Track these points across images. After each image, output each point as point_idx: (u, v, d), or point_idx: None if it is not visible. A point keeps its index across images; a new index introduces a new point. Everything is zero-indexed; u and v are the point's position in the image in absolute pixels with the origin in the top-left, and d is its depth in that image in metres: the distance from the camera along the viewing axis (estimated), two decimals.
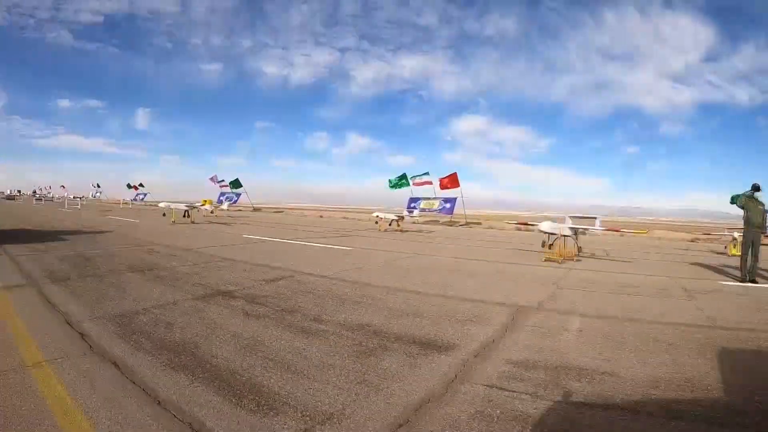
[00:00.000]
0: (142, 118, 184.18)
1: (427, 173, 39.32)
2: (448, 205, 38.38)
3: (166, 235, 13.78)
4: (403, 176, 39.85)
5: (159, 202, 21.73)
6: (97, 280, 6.19)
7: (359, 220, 34.98)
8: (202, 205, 22.21)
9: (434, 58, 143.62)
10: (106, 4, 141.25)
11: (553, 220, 11.41)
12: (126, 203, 50.99)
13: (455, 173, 37.90)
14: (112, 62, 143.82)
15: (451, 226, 31.03)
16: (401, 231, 19.82)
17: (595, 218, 13.41)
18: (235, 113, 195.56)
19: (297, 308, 4.84)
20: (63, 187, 67.74)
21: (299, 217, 34.50)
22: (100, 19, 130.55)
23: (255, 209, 47.72)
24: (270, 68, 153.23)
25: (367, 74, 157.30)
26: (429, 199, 39.76)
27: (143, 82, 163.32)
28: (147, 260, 8.26)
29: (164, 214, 21.20)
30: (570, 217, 11.96)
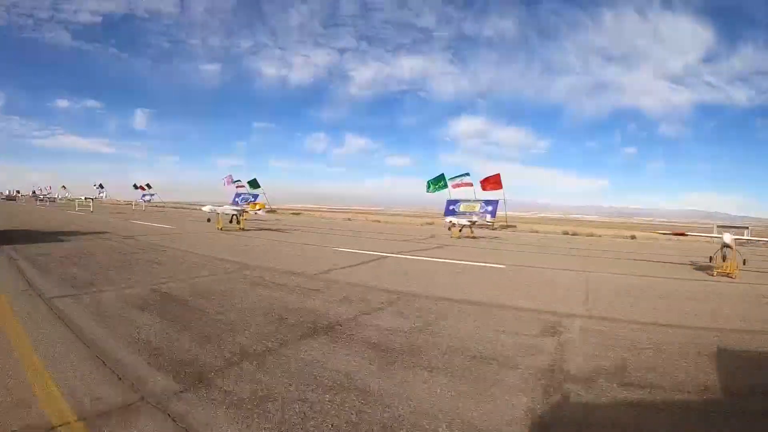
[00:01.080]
0: (140, 118, 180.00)
1: (467, 174, 36.19)
2: (489, 208, 35.17)
3: (243, 251, 10.41)
4: (441, 177, 36.69)
5: (203, 205, 18.19)
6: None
7: (401, 223, 31.90)
8: (259, 209, 18.69)
9: (433, 59, 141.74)
10: (104, 5, 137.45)
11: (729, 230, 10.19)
12: (138, 205, 46.78)
13: (498, 174, 34.86)
14: (111, 62, 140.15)
15: (494, 229, 28.20)
16: (474, 237, 17.91)
17: (746, 228, 11.80)
18: (233, 114, 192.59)
19: None
20: (64, 187, 63.55)
21: (342, 221, 30.95)
22: (99, 19, 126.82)
23: (269, 211, 44.09)
24: (269, 69, 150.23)
25: (366, 75, 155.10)
26: (469, 201, 36.67)
27: (142, 82, 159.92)
28: (303, 307, 4.89)
29: (209, 220, 17.68)
30: (722, 227, 11.27)
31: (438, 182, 36.79)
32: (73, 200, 53.26)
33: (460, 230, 18.98)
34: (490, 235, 20.26)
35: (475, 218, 20.10)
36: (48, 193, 59.14)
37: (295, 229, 18.07)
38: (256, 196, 44.73)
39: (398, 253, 10.97)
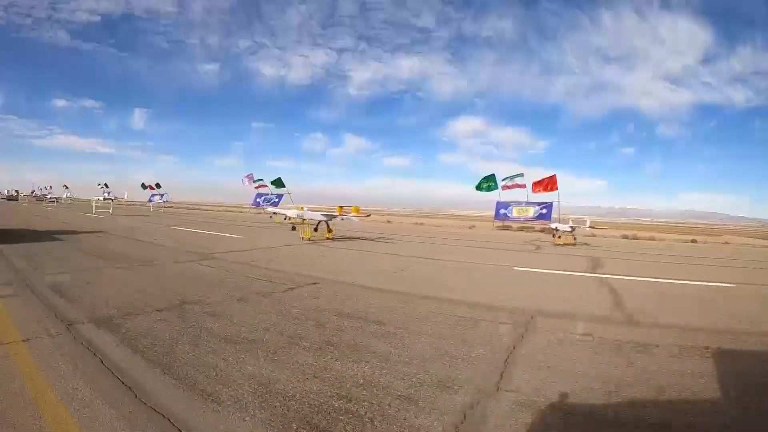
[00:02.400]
0: (138, 118, 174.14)
1: (521, 174, 32.79)
2: (544, 211, 31.86)
3: (416, 279, 6.70)
4: (491, 178, 33.27)
5: (287, 209, 14.23)
6: None
7: (450, 226, 28.41)
8: (355, 214, 14.90)
9: (432, 59, 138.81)
10: (103, 4, 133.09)
11: None
12: (158, 206, 42.11)
13: (554, 175, 31.57)
14: (109, 62, 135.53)
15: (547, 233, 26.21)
16: (574, 244, 15.54)
17: None
18: (231, 114, 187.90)
19: None
20: (66, 186, 58.75)
21: (396, 226, 27.12)
22: (97, 19, 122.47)
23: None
24: (267, 69, 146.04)
25: (364, 75, 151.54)
26: (521, 204, 33.20)
27: (140, 82, 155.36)
28: None
29: (294, 228, 13.82)
30: None
31: (488, 183, 33.47)
32: (72, 200, 48.72)
33: (559, 236, 16.42)
34: (596, 243, 16.91)
35: (565, 225, 16.81)
36: (49, 193, 54.57)
37: (387, 239, 14.35)
38: (280, 197, 40.69)
39: (585, 271, 7.60)
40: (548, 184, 32.06)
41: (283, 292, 5.34)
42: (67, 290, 4.82)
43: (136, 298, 4.65)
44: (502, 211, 33.00)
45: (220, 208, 55.36)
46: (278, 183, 40.23)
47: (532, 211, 32.21)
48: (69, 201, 41.29)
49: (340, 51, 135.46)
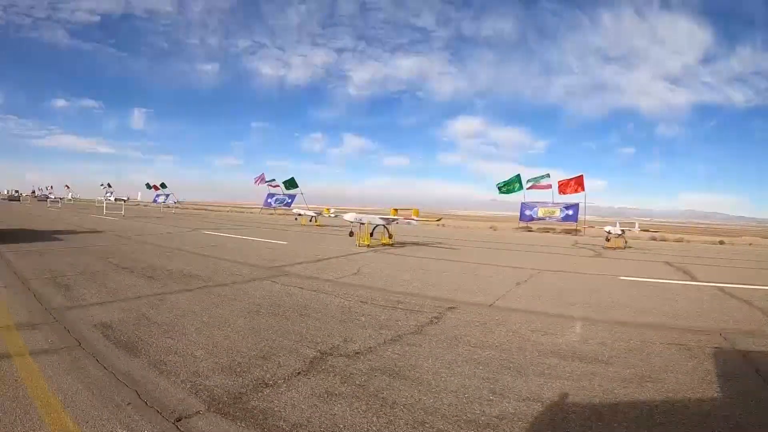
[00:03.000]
0: (138, 118, 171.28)
1: (547, 175, 31.48)
2: (570, 212, 30.62)
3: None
4: (516, 178, 31.90)
5: (344, 212, 12.55)
6: None
7: (473, 228, 26.74)
8: (415, 218, 13.28)
9: (431, 59, 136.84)
10: (102, 4, 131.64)
11: None
12: (168, 207, 40.07)
13: (581, 175, 30.40)
14: (109, 62, 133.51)
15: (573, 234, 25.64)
16: (622, 247, 14.45)
17: None
18: (231, 114, 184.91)
19: None
20: (67, 186, 56.79)
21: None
22: (97, 18, 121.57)
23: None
24: (266, 69, 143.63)
25: (364, 75, 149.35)
26: (547, 204, 31.86)
27: (140, 82, 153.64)
28: None
29: (351, 233, 12.23)
30: None
31: (512, 184, 32.09)
32: (75, 200, 46.99)
33: (608, 240, 15.27)
34: (641, 247, 15.53)
35: (617, 228, 15.47)
36: (50, 193, 52.70)
37: (443, 244, 12.87)
38: (292, 197, 39.21)
39: (690, 279, 6.77)
40: (575, 184, 30.90)
41: (434, 324, 3.90)
42: (132, 338, 3.31)
43: (247, 349, 3.16)
44: (528, 212, 31.72)
45: (227, 208, 53.57)
46: (291, 183, 38.95)
47: (558, 212, 30.97)
48: (72, 201, 39.38)
49: (340, 51, 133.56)
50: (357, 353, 3.16)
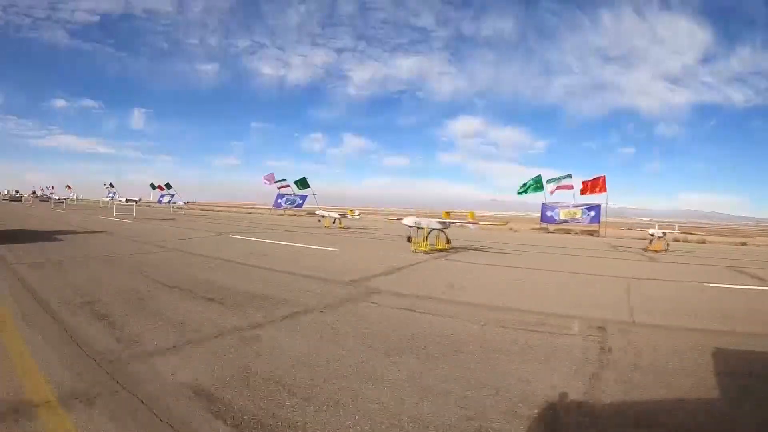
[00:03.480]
0: (137, 118, 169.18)
1: (569, 176, 30.24)
2: (592, 213, 29.45)
3: None
4: (538, 179, 30.68)
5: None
6: None
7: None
8: (471, 221, 11.68)
9: (431, 59, 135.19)
10: (102, 4, 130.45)
11: None
12: (179, 208, 38.25)
13: (603, 176, 29.24)
14: (109, 62, 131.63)
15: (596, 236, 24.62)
16: (664, 250, 13.73)
17: None
18: (231, 114, 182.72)
19: None
20: (69, 186, 55.11)
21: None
22: (96, 18, 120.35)
23: (310, 214, 37.20)
24: (266, 69, 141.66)
25: (364, 75, 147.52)
26: (568, 206, 30.60)
27: (139, 82, 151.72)
28: None
29: (409, 239, 10.72)
30: None
31: (534, 184, 30.86)
32: (78, 201, 45.37)
33: (651, 243, 14.60)
34: (677, 249, 14.43)
35: (659, 231, 14.38)
36: (52, 193, 51.03)
37: (496, 249, 11.52)
38: (304, 197, 37.80)
39: None
40: (597, 185, 29.72)
41: (611, 353, 2.67)
42: (261, 418, 2.09)
43: (433, 415, 1.95)
44: (549, 213, 30.52)
45: (233, 209, 52.07)
46: (302, 183, 37.54)
47: (580, 214, 29.77)
48: (75, 202, 37.76)
49: (340, 51, 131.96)
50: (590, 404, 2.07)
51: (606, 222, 28.86)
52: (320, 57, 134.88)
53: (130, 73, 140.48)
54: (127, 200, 26.35)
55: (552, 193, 30.88)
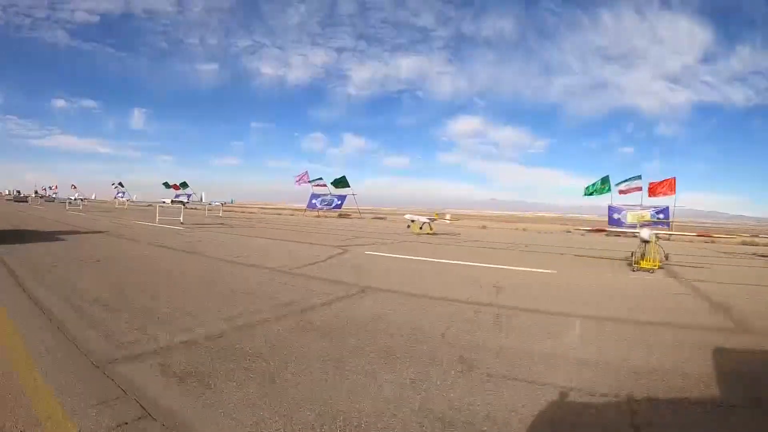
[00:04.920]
0: (137, 118, 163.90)
1: (638, 177, 28.26)
2: (661, 216, 27.58)
3: None
4: (605, 180, 28.64)
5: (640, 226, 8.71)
6: None
7: (538, 230, 23.00)
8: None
9: (431, 59, 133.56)
10: (102, 4, 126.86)
11: None
12: (214, 209, 34.11)
13: (674, 178, 27.42)
14: (109, 62, 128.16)
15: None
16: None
17: None
18: (231, 114, 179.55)
19: None
20: (74, 186, 50.90)
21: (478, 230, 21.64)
22: (96, 18, 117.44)
23: (342, 216, 34.37)
24: (266, 69, 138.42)
25: (364, 75, 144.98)
26: (635, 208, 28.66)
27: (139, 82, 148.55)
28: None
29: (642, 257, 8.13)
30: None
31: (601, 186, 28.82)
32: (77, 200, 41.42)
33: None
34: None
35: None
36: (55, 193, 47.11)
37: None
38: (342, 198, 34.92)
39: None
40: (667, 187, 27.85)
41: None
42: None
43: None
44: (616, 216, 28.52)
45: (251, 209, 48.79)
46: (341, 183, 34.60)
47: (648, 217, 27.82)
48: (86, 203, 33.77)
49: (340, 50, 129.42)
50: None
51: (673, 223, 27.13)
52: (320, 57, 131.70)
53: (130, 73, 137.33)
54: (173, 201, 22.59)
55: (622, 194, 29.00)
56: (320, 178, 34.43)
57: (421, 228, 17.40)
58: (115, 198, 45.66)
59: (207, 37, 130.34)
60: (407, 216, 17.75)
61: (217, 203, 34.45)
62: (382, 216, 37.11)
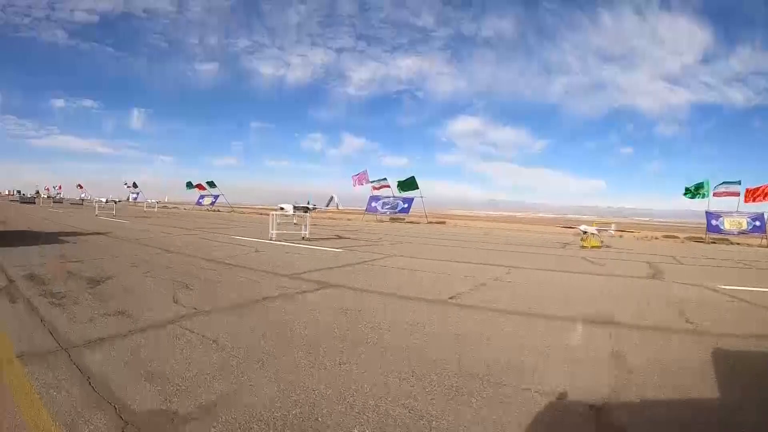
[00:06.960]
0: (137, 118, 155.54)
1: (738, 182, 26.61)
2: (757, 223, 26.02)
3: None
4: (702, 185, 26.91)
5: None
6: None
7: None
8: None
9: (431, 59, 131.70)
10: (101, 4, 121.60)
11: None
12: (231, 210, 29.05)
13: None
14: (108, 62, 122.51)
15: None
16: None
17: None
18: (230, 114, 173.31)
19: None
20: (80, 186, 44.92)
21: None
22: (95, 18, 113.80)
23: (393, 219, 31.28)
24: (266, 68, 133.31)
25: (364, 75, 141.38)
26: (731, 214, 26.92)
27: (139, 82, 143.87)
28: None
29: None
30: None
31: (698, 189, 26.92)
32: (83, 201, 36.06)
33: None
34: None
35: None
36: (59, 193, 41.37)
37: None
38: (409, 202, 31.49)
39: None
40: (763, 193, 26.26)
41: None
42: None
43: None
44: (714, 222, 26.59)
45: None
46: (408, 184, 31.17)
47: (745, 224, 26.12)
48: (96, 204, 28.13)
49: (339, 50, 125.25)
50: None
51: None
52: (320, 57, 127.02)
53: (130, 73, 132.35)
54: (295, 208, 17.09)
55: (718, 196, 27.22)
56: (384, 179, 30.79)
57: (602, 243, 14.42)
58: (128, 199, 40.50)
59: (206, 37, 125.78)
60: (582, 227, 14.66)
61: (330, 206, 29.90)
62: (441, 220, 33.86)
